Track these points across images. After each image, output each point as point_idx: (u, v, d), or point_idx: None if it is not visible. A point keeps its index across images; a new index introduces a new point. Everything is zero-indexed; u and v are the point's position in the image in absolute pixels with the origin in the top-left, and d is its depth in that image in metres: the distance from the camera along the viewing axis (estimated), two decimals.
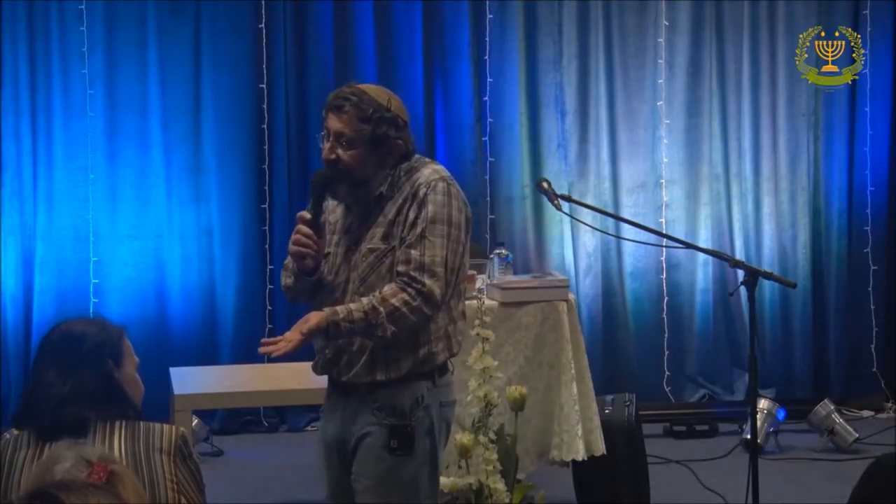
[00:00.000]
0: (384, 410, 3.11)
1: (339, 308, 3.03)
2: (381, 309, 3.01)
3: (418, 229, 3.06)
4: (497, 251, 4.63)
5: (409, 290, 3.03)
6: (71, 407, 2.58)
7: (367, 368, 3.11)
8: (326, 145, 3.09)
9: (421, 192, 3.09)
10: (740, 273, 3.87)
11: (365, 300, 3.03)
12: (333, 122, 3.08)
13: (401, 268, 3.06)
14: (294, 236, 3.08)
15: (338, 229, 3.18)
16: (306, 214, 3.08)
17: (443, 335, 3.16)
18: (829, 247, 6.39)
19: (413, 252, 3.05)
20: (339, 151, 3.07)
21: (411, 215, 3.08)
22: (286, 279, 3.22)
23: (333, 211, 3.21)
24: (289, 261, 3.19)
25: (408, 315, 3.02)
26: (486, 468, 3.47)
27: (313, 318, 3.02)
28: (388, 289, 3.05)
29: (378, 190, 3.11)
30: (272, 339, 3.03)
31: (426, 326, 3.11)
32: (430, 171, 3.13)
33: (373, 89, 3.15)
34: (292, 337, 2.99)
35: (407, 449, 3.12)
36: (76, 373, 2.61)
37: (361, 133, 3.06)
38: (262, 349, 3.03)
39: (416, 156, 3.18)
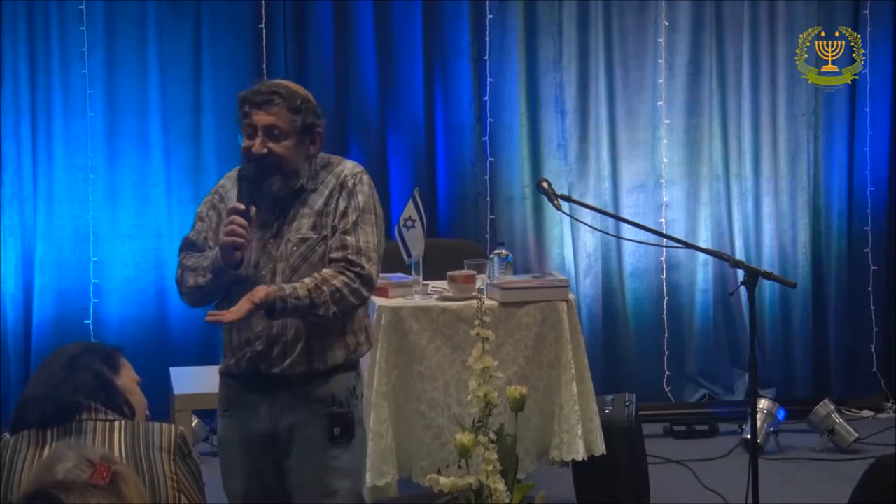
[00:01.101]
0: (321, 401, 3.19)
1: (283, 285, 3.10)
2: (325, 288, 3.10)
3: (351, 217, 3.19)
4: (497, 251, 4.63)
5: (349, 273, 3.14)
6: (66, 397, 2.59)
7: (304, 358, 3.17)
8: (256, 140, 3.16)
9: (350, 183, 3.22)
10: (740, 273, 3.87)
11: (307, 280, 3.11)
12: (263, 117, 3.16)
13: (336, 254, 3.17)
14: (229, 227, 3.10)
15: (255, 226, 3.18)
16: (241, 206, 3.13)
17: (363, 327, 3.29)
18: (829, 247, 6.39)
19: (349, 238, 3.17)
20: (272, 144, 3.16)
21: (342, 205, 3.20)
22: (196, 279, 3.20)
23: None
24: (198, 260, 3.21)
25: (348, 296, 3.13)
26: (486, 468, 3.46)
27: (262, 290, 3.07)
28: (326, 272, 3.14)
29: (299, 182, 3.20)
30: (219, 311, 3.10)
31: (352, 316, 3.22)
32: (353, 165, 3.28)
33: (289, 83, 3.26)
34: (241, 306, 3.05)
35: (349, 437, 3.22)
36: (71, 372, 2.62)
37: (293, 124, 3.17)
38: (208, 318, 3.08)
39: (324, 154, 3.30)
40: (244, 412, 3.24)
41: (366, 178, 3.27)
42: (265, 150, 3.16)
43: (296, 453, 3.21)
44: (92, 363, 2.66)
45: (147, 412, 2.80)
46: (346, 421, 3.22)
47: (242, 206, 3.12)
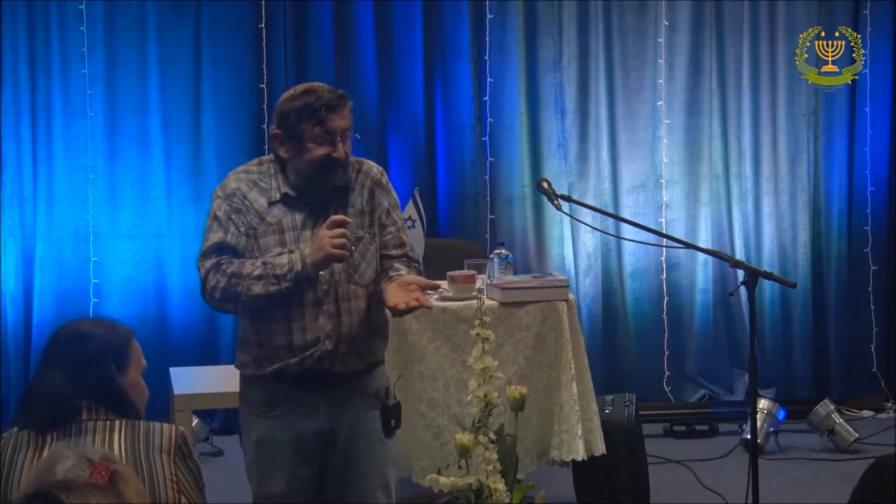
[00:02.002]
0: (374, 394, 3.27)
1: (407, 272, 3.21)
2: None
3: (396, 215, 3.29)
4: (497, 251, 4.63)
5: (411, 267, 3.25)
6: (67, 401, 2.58)
7: (364, 352, 3.23)
8: (338, 146, 3.14)
9: (383, 181, 3.30)
10: (740, 273, 3.87)
11: (405, 273, 3.20)
12: (339, 121, 3.15)
13: (396, 251, 3.26)
14: (338, 241, 3.06)
15: (288, 227, 3.18)
16: (346, 219, 3.12)
17: (385, 321, 3.37)
18: (829, 247, 6.38)
19: (404, 237, 3.29)
20: (347, 147, 3.18)
21: (384, 202, 3.26)
22: (267, 287, 3.11)
23: (268, 210, 3.20)
24: (262, 268, 3.12)
25: None
26: (486, 468, 3.46)
27: (412, 277, 3.15)
28: (404, 269, 3.23)
29: (341, 181, 3.21)
30: (396, 304, 3.07)
31: (384, 310, 3.28)
32: (372, 162, 3.33)
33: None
34: (416, 294, 3.09)
35: (399, 426, 3.32)
36: (76, 372, 2.61)
37: (352, 123, 3.22)
38: (401, 305, 3.06)
39: None
40: (296, 411, 3.22)
41: (385, 174, 3.37)
42: (344, 154, 3.18)
43: (356, 448, 3.24)
44: (102, 363, 2.64)
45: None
46: (398, 412, 3.31)
47: (348, 220, 3.11)
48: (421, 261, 3.33)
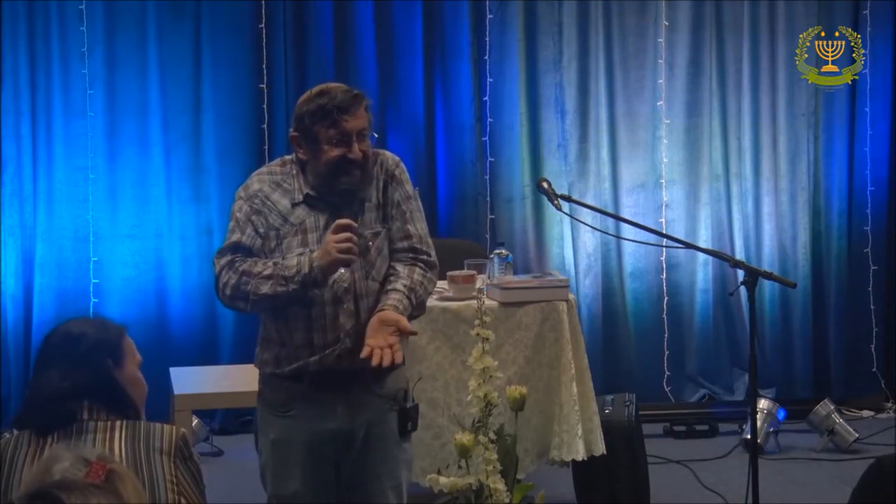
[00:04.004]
0: (391, 396, 3.24)
1: (393, 304, 3.12)
2: (417, 290, 3.18)
3: (405, 207, 3.23)
4: (497, 251, 4.63)
5: (420, 264, 3.21)
6: (66, 403, 2.58)
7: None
8: (353, 146, 3.13)
9: (396, 173, 3.25)
10: (740, 273, 3.87)
11: (398, 287, 3.15)
12: (357, 122, 3.14)
13: (402, 244, 3.21)
14: (345, 245, 3.04)
15: (311, 227, 3.17)
16: (352, 223, 3.10)
17: None
18: (829, 247, 6.38)
19: (410, 227, 3.22)
20: (363, 148, 3.17)
21: (395, 195, 3.23)
22: (275, 288, 3.11)
23: (291, 211, 3.20)
24: (273, 268, 3.12)
25: (428, 287, 3.23)
26: (486, 468, 3.46)
27: (393, 315, 3.08)
28: (402, 271, 3.19)
29: (347, 184, 3.18)
30: (371, 353, 3.03)
31: None
32: (391, 154, 3.31)
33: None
34: (392, 341, 3.05)
35: (415, 429, 3.30)
36: (74, 372, 2.61)
37: (370, 123, 3.19)
38: (375, 361, 3.03)
39: None
40: (314, 411, 3.21)
41: (403, 165, 3.31)
42: (361, 155, 3.15)
43: (372, 449, 3.23)
44: (97, 361, 2.64)
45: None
46: (415, 415, 3.30)
47: (354, 223, 3.09)
48: (430, 250, 3.23)
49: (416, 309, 3.20)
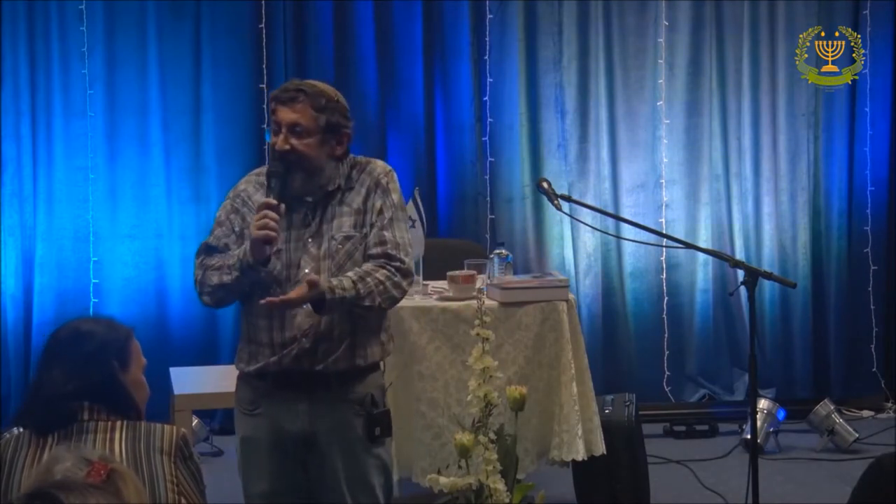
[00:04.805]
0: (359, 401, 3.23)
1: (329, 278, 3.13)
2: (369, 280, 3.15)
3: (387, 214, 3.24)
4: (497, 251, 4.63)
5: (390, 266, 3.19)
6: (68, 403, 2.57)
7: (348, 354, 3.20)
8: (279, 137, 3.19)
9: (384, 182, 3.27)
10: (740, 273, 3.87)
11: (350, 273, 3.15)
12: (287, 114, 3.19)
13: (376, 250, 3.21)
14: (261, 221, 3.10)
15: (282, 226, 3.21)
16: (273, 201, 3.14)
17: (389, 326, 3.35)
18: (829, 247, 6.38)
19: (387, 234, 3.22)
20: (294, 141, 3.18)
21: (378, 203, 3.24)
22: (221, 277, 3.20)
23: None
24: (223, 259, 3.22)
25: (391, 289, 3.18)
26: (486, 468, 3.46)
27: (314, 277, 3.10)
28: (366, 266, 3.19)
29: (336, 182, 3.24)
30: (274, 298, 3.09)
31: (386, 313, 3.28)
32: (382, 164, 3.33)
33: (319, 83, 3.29)
34: (298, 290, 3.08)
35: (387, 434, 3.28)
36: (79, 372, 2.60)
37: (316, 122, 3.19)
38: (264, 301, 3.09)
39: (351, 155, 3.32)
40: (278, 411, 3.24)
41: (395, 176, 3.33)
42: (287, 147, 3.18)
43: (337, 455, 3.23)
44: (104, 361, 2.63)
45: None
46: (385, 420, 3.28)
47: (274, 202, 3.13)
48: (406, 258, 3.23)
49: (363, 298, 3.14)
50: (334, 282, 3.12)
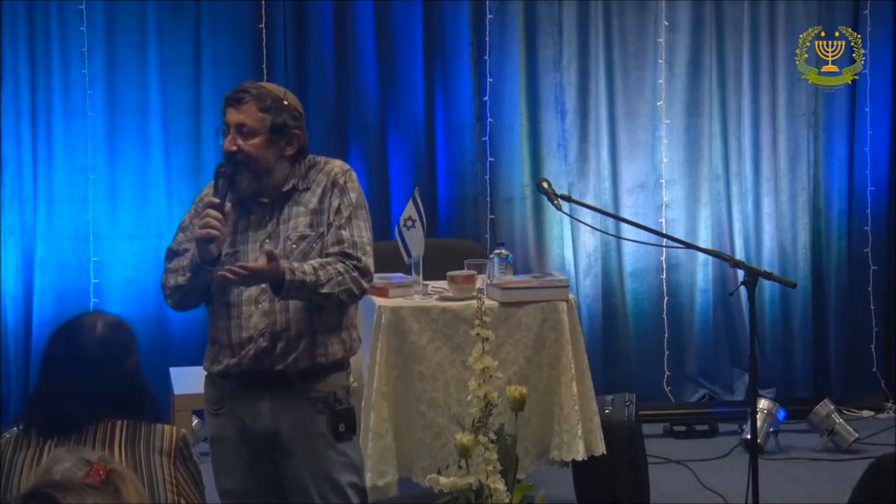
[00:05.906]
0: (322, 400, 3.24)
1: (292, 263, 3.15)
2: (329, 269, 3.16)
3: (345, 213, 3.24)
4: (497, 251, 4.63)
5: (347, 262, 3.19)
6: (71, 404, 2.57)
7: (307, 353, 3.21)
8: (227, 138, 3.22)
9: (341, 181, 3.27)
10: (740, 273, 3.88)
11: (311, 261, 3.16)
12: (233, 115, 3.22)
13: (333, 248, 3.22)
14: (203, 220, 3.13)
15: (241, 228, 3.26)
16: (216, 200, 3.17)
17: (355, 324, 3.34)
18: (829, 247, 6.38)
19: (344, 233, 3.22)
20: (240, 142, 3.21)
21: (335, 202, 3.25)
22: (177, 279, 3.27)
23: (231, 213, 3.27)
24: (179, 261, 3.27)
25: (349, 282, 3.18)
26: (486, 468, 3.46)
27: (274, 253, 3.12)
28: (326, 259, 3.19)
29: (290, 183, 3.26)
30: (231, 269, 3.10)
31: (346, 311, 3.28)
32: (341, 163, 3.34)
33: (269, 84, 3.34)
34: (258, 261, 3.11)
35: (352, 431, 3.28)
36: (82, 371, 2.60)
37: (262, 122, 3.21)
38: (220, 272, 3.10)
39: (310, 155, 3.33)
40: (242, 410, 3.27)
41: (354, 175, 3.34)
42: (234, 148, 3.22)
43: (302, 453, 3.24)
44: (112, 374, 2.63)
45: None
46: (349, 417, 3.28)
47: (217, 200, 3.17)
48: (363, 256, 3.22)
49: (321, 286, 3.14)
50: (295, 265, 3.13)
